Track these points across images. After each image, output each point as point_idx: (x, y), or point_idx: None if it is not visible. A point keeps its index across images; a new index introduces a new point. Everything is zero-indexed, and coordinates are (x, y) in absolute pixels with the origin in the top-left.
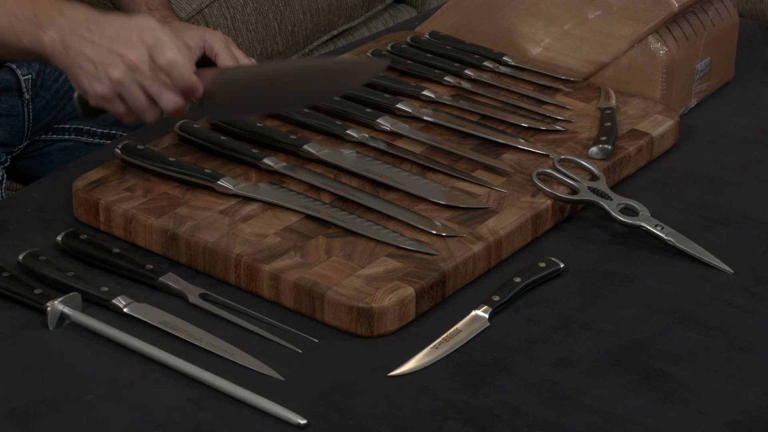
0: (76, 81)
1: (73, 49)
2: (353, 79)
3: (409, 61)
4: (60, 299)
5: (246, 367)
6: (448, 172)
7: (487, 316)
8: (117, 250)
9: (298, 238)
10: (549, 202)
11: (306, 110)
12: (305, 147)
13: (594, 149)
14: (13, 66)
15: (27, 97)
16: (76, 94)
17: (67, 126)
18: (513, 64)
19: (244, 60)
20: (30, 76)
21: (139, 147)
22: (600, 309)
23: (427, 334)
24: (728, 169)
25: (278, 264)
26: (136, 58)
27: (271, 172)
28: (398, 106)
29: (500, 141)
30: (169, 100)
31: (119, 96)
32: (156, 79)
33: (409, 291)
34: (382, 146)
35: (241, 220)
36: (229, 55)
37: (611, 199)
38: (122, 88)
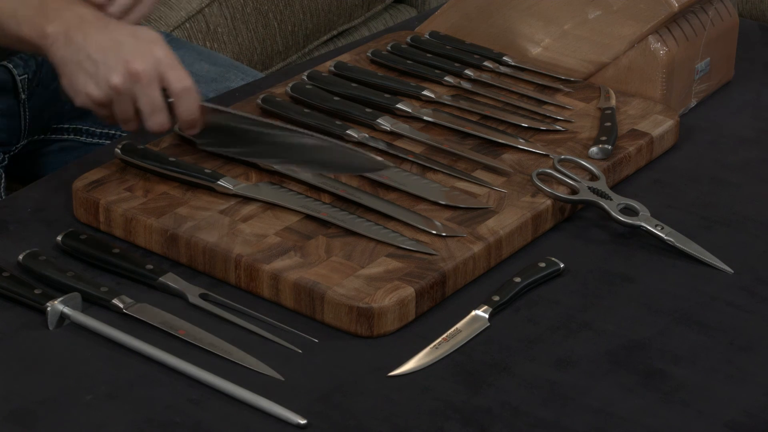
0: (71, 77)
1: (77, 43)
2: (351, 167)
3: (409, 61)
4: (60, 299)
5: (246, 367)
6: (448, 172)
7: (487, 316)
8: (117, 250)
9: (298, 238)
10: (549, 202)
11: (306, 110)
12: None
13: (594, 149)
14: (10, 66)
15: (23, 96)
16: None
17: (65, 126)
18: (513, 64)
19: None
20: (26, 75)
21: (139, 147)
22: (600, 309)
23: (427, 334)
24: (728, 169)
25: (278, 264)
26: (141, 68)
27: (271, 172)
28: (398, 106)
29: (500, 141)
30: (156, 120)
31: (109, 102)
32: (150, 95)
33: (409, 291)
34: (382, 146)
35: (241, 220)
36: None
37: (611, 199)
38: (116, 96)
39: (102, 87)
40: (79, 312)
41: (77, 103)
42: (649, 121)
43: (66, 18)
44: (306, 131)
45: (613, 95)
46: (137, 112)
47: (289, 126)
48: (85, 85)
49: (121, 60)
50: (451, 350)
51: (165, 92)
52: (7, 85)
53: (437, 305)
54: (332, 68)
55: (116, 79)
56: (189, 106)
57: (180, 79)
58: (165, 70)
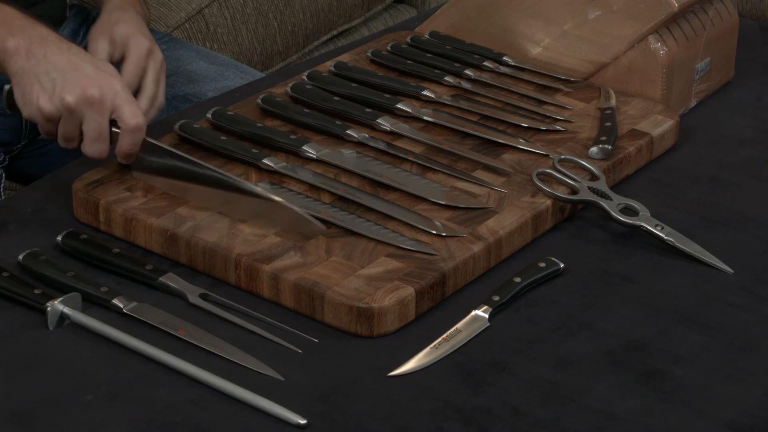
0: (25, 88)
1: (37, 58)
2: (281, 224)
3: (409, 61)
4: (60, 299)
5: (246, 367)
6: (448, 172)
7: (487, 316)
8: (117, 250)
9: (298, 238)
10: (549, 202)
11: (306, 110)
12: (305, 147)
13: (594, 149)
14: None
15: None
16: (7, 88)
17: None
18: (513, 64)
19: (150, 81)
20: None
21: None
22: (600, 309)
23: (427, 334)
24: (728, 169)
25: (278, 264)
26: (97, 95)
27: (271, 172)
28: (398, 106)
29: (500, 141)
30: (97, 147)
31: (57, 119)
32: (99, 122)
33: (409, 291)
34: (382, 146)
35: (241, 220)
36: (134, 66)
37: (611, 199)
38: (66, 114)
39: (55, 103)
40: (79, 312)
41: (25, 114)
42: (649, 121)
43: (29, 34)
44: (239, 182)
45: (613, 95)
46: (80, 135)
47: (225, 174)
48: (39, 97)
49: (79, 82)
50: (451, 350)
51: (112, 122)
52: None
53: (437, 305)
54: (332, 68)
55: (71, 98)
56: (135, 141)
57: (135, 115)
58: (121, 103)
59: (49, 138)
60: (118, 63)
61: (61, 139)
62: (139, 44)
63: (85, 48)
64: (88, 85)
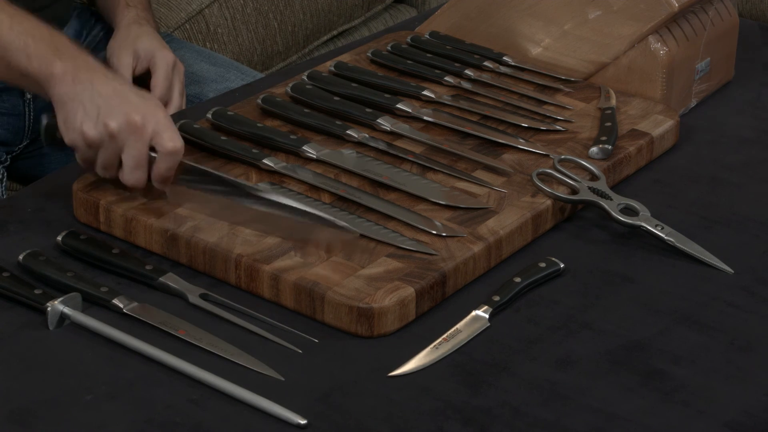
0: (69, 113)
1: (83, 84)
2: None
3: (409, 61)
4: (60, 299)
5: (246, 367)
6: (448, 172)
7: (487, 316)
8: (117, 250)
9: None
10: (549, 202)
11: (306, 110)
12: (305, 147)
13: (594, 149)
14: None
15: (28, 96)
16: (46, 120)
17: None
18: (513, 64)
19: (177, 94)
20: None
21: None
22: (600, 309)
23: (427, 334)
24: (728, 169)
25: (278, 264)
26: (140, 122)
27: (271, 172)
28: (398, 106)
29: (500, 141)
30: (136, 175)
31: (99, 145)
32: (139, 150)
33: (409, 291)
34: (382, 146)
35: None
36: (164, 80)
37: (611, 199)
38: (108, 140)
39: (98, 128)
40: (79, 312)
41: (67, 140)
42: (649, 121)
43: (76, 60)
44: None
45: (614, 95)
46: (119, 163)
47: (263, 193)
48: (83, 123)
49: (122, 109)
50: (451, 350)
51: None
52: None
53: (437, 305)
54: (332, 68)
55: (114, 124)
56: (171, 165)
57: (173, 139)
58: (161, 129)
59: (84, 167)
60: (140, 75)
61: (100, 167)
62: (164, 57)
63: (103, 59)
64: (131, 111)
